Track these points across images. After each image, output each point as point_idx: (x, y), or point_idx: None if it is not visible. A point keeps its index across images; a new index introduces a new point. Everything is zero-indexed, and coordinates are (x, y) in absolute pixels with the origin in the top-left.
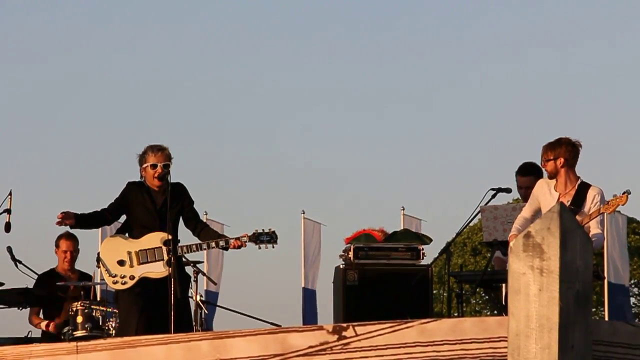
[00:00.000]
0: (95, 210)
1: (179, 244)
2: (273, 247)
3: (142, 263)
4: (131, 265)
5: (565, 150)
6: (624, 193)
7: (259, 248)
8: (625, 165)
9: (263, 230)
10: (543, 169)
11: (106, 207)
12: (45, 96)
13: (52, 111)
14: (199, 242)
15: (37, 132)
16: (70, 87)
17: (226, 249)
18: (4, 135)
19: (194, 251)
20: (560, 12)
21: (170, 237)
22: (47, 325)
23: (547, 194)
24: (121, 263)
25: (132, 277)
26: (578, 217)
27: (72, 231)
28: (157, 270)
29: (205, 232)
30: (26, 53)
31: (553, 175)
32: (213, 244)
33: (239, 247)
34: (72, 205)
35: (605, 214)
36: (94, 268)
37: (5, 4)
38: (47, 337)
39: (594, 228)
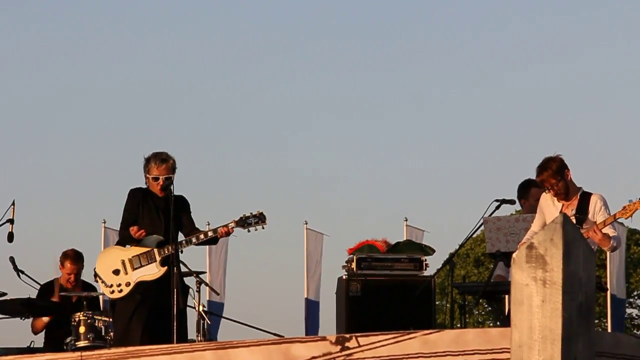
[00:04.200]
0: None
1: (172, 243)
2: (263, 227)
3: (136, 268)
4: (125, 273)
5: (555, 171)
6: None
7: (248, 231)
8: (627, 172)
9: (251, 213)
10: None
11: (129, 222)
12: (46, 105)
13: (53, 120)
14: (188, 237)
15: (39, 142)
16: (71, 96)
17: (215, 239)
18: (7, 145)
19: (185, 246)
20: (563, 21)
21: (163, 238)
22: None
23: (551, 205)
24: (116, 272)
25: (127, 284)
26: (585, 225)
27: (74, 246)
28: (151, 272)
29: (195, 232)
30: (27, 61)
31: (562, 196)
32: (202, 236)
33: (227, 234)
34: (75, 214)
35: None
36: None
37: (7, 8)
38: (49, 348)
39: (607, 230)
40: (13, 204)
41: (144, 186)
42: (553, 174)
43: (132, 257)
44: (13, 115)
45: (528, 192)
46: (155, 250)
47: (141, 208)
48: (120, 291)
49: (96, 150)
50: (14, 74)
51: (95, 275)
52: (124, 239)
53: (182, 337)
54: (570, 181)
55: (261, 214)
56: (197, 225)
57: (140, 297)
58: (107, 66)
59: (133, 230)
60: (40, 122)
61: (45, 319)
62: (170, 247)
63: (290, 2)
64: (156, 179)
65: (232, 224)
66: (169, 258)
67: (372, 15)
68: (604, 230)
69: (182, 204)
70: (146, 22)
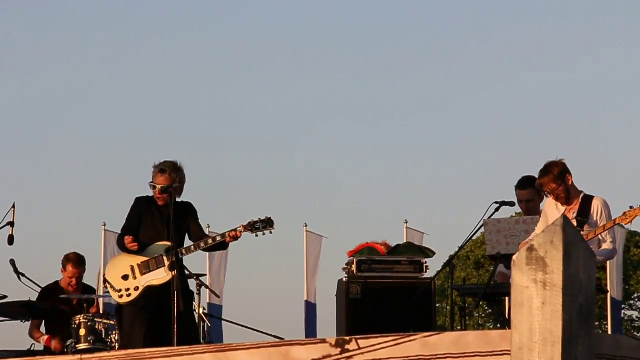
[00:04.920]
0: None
1: (179, 248)
2: (271, 232)
3: (145, 273)
4: (134, 278)
5: (556, 177)
6: None
7: (256, 236)
8: (629, 176)
9: (259, 218)
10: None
11: (126, 231)
12: (46, 107)
13: (53, 123)
14: (197, 242)
15: (39, 144)
16: (71, 98)
17: (224, 245)
18: (7, 147)
19: (193, 251)
20: (567, 26)
21: (171, 244)
22: (48, 341)
23: (554, 209)
24: (125, 278)
25: (136, 288)
26: (587, 228)
27: (74, 248)
28: (160, 276)
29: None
30: (27, 63)
31: (562, 200)
32: (210, 241)
33: (236, 238)
34: (75, 217)
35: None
36: (97, 282)
37: (8, 9)
38: (50, 351)
39: (607, 242)
40: (13, 206)
41: (149, 195)
42: (554, 179)
43: (142, 262)
44: (13, 118)
45: (516, 194)
46: (165, 256)
47: (145, 216)
48: (129, 295)
49: (96, 153)
50: (14, 76)
51: (105, 281)
52: (120, 247)
53: (195, 342)
54: (572, 186)
55: (269, 219)
56: None
57: (144, 302)
58: (107, 68)
59: (127, 240)
60: (40, 124)
61: (44, 340)
62: (179, 252)
63: (295, 4)
64: (154, 187)
65: (241, 229)
66: (173, 280)
67: (375, 19)
68: (601, 235)
69: (188, 211)
70: (147, 22)
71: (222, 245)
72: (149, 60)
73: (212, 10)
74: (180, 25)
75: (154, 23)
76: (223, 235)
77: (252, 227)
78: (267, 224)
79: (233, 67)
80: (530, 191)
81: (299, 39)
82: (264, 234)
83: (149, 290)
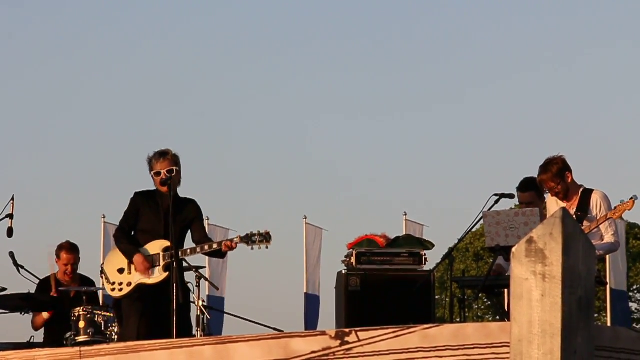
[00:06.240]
0: (129, 239)
1: (177, 246)
2: (267, 247)
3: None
4: (129, 273)
5: (554, 175)
6: (630, 198)
7: (252, 249)
8: (629, 169)
9: (258, 231)
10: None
11: (124, 226)
12: (46, 100)
13: (53, 116)
14: (194, 246)
15: (38, 137)
16: (71, 91)
17: (221, 252)
18: (6, 140)
19: (189, 255)
20: (563, 19)
21: (171, 243)
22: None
23: (555, 205)
24: (120, 271)
25: (129, 284)
26: (586, 222)
27: (74, 241)
28: (153, 276)
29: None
30: (27, 58)
31: (561, 197)
32: (206, 247)
33: (231, 248)
34: (74, 209)
35: (614, 219)
36: (96, 274)
37: (7, 9)
38: (49, 343)
39: (608, 235)
40: (12, 199)
41: (152, 188)
42: (552, 177)
43: None
44: (12, 111)
45: (517, 196)
46: (162, 255)
47: (142, 210)
48: (121, 290)
49: (96, 146)
50: (14, 70)
51: (102, 271)
52: (116, 243)
53: (186, 333)
54: (571, 183)
55: (267, 233)
56: None
57: (139, 295)
58: (106, 61)
59: (138, 260)
60: (40, 117)
61: (45, 316)
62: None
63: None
64: (158, 174)
65: (237, 240)
66: (172, 264)
67: (375, 16)
68: (602, 229)
69: (192, 210)
70: (148, 18)
71: (219, 253)
72: (148, 52)
73: (213, 2)
74: (181, 18)
75: (155, 15)
76: (220, 244)
77: (249, 239)
78: (264, 238)
79: (235, 61)
80: (531, 194)
81: (301, 33)
82: (259, 248)
83: (141, 287)
